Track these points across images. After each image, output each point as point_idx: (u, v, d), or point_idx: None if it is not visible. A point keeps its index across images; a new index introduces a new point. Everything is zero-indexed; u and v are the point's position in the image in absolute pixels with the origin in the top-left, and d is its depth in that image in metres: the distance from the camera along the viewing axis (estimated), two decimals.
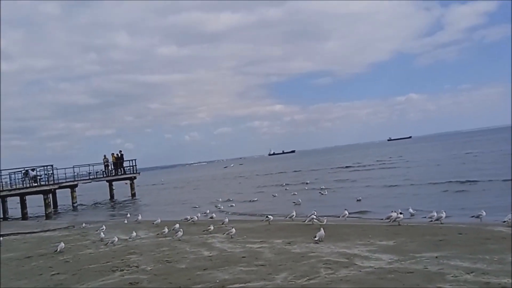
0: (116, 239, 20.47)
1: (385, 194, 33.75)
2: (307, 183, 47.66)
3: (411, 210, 21.91)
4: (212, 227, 21.64)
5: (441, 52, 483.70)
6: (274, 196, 40.80)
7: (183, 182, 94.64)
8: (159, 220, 26.77)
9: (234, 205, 36.57)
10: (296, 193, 40.58)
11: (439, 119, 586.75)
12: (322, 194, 37.48)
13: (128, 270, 14.37)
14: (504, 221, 16.62)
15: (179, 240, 19.99)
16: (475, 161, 53.16)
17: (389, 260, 12.70)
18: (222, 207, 35.09)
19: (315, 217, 21.20)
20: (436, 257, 12.50)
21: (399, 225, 18.93)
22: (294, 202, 32.78)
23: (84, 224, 29.89)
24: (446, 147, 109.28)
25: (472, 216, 19.00)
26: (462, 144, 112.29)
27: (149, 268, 14.34)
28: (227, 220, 24.23)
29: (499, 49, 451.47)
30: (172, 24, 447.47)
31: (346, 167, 72.97)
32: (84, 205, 54.93)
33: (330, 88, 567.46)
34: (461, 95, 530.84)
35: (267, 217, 23.66)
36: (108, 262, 16.00)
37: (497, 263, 11.25)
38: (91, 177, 56.18)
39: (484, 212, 18.47)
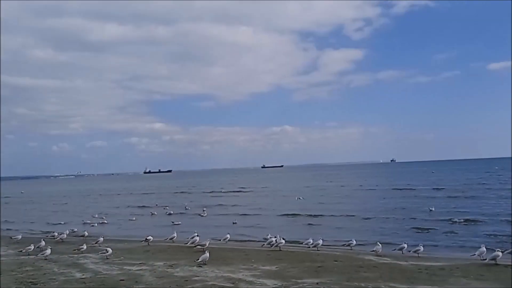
0: None
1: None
2: (186, 204, 46.99)
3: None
4: (84, 246, 20.00)
5: (314, 90, 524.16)
6: (153, 214, 39.43)
7: (47, 195, 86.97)
8: (20, 236, 23.99)
9: (107, 222, 34.39)
10: (171, 211, 39.92)
11: (309, 151, 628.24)
12: (202, 215, 37.18)
13: None
14: (372, 251, 18.11)
15: (46, 259, 18.04)
16: (331, 194, 56.55)
17: (273, 286, 12.93)
18: (96, 225, 32.73)
19: (198, 239, 20.81)
20: (317, 283, 13.05)
21: (280, 250, 19.50)
22: (173, 222, 31.92)
23: None
24: (310, 178, 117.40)
25: (343, 244, 20.35)
26: (325, 177, 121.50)
27: None
28: (101, 239, 22.57)
29: (362, 94, 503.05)
30: (51, 27, 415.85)
31: (211, 191, 73.46)
32: None
33: (212, 112, 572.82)
34: (328, 131, 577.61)
35: (146, 238, 22.63)
36: None
37: None
38: None
39: (354, 241, 19.92)
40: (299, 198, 48.48)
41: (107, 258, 17.94)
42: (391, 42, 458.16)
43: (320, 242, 19.64)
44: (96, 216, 38.58)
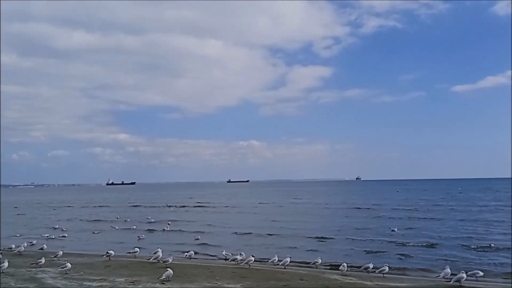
0: None
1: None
2: (148, 218, 46.11)
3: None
4: (43, 260, 19.24)
5: (282, 106, 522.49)
6: (115, 228, 38.37)
7: (3, 205, 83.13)
8: None
9: (66, 235, 33.24)
10: (135, 226, 38.95)
11: (275, 167, 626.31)
12: (166, 230, 36.55)
13: None
14: (338, 270, 18.20)
15: (2, 272, 17.21)
16: (293, 211, 56.25)
17: None
18: (55, 237, 31.56)
19: (161, 254, 20.38)
20: None
21: (249, 267, 19.28)
22: (138, 237, 31.16)
23: None
24: (274, 194, 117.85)
25: (309, 263, 20.37)
26: (289, 193, 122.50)
27: None
28: (60, 252, 21.77)
29: (329, 111, 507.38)
30: (16, 32, 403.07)
31: (168, 206, 70.54)
32: None
33: (179, 124, 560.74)
34: (294, 147, 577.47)
35: (107, 252, 21.95)
36: None
37: None
38: None
39: (320, 260, 20.00)
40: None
41: (66, 273, 17.31)
42: (359, 61, 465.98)
43: (288, 260, 19.59)
44: (57, 227, 37.34)
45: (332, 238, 30.78)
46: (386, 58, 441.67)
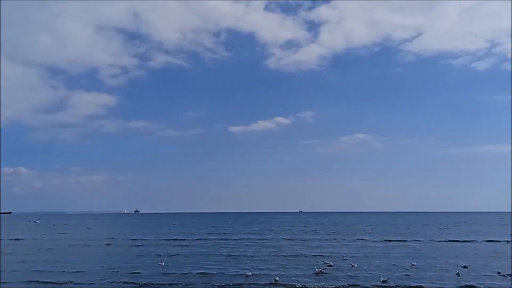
0: None
1: None
2: None
3: None
4: None
5: (59, 131, 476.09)
6: None
7: None
8: None
9: None
10: None
11: (46, 197, 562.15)
12: None
13: None
14: None
15: None
16: (52, 249, 49.94)
17: None
18: None
19: None
20: None
21: None
22: None
23: None
24: (36, 228, 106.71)
25: None
26: (56, 227, 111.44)
27: None
28: None
29: (112, 141, 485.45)
30: None
31: None
32: None
33: None
34: (70, 176, 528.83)
35: None
36: None
37: None
38: None
39: None
40: None
41: None
42: (145, 94, 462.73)
43: None
44: None
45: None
46: (172, 93, 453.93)
